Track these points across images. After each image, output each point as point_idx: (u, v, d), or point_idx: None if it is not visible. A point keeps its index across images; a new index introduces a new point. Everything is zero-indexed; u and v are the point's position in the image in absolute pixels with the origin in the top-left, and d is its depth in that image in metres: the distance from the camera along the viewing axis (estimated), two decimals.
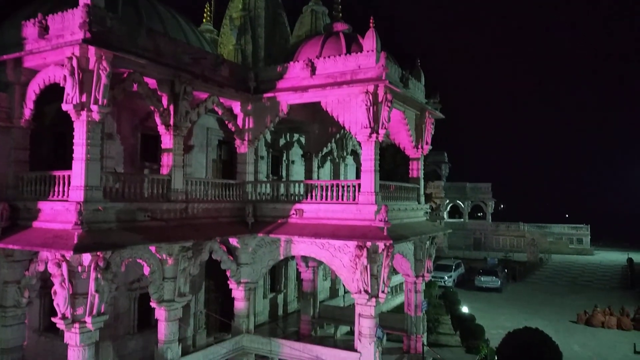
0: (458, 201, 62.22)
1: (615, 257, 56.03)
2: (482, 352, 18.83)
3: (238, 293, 15.40)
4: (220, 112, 15.05)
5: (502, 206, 73.10)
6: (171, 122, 12.91)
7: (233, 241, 15.05)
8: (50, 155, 13.34)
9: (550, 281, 40.69)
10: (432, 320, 20.11)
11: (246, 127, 15.71)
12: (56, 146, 13.37)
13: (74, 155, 10.69)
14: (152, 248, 12.31)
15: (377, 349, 13.31)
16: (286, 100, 15.06)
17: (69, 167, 10.82)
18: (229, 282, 15.31)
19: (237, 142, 15.87)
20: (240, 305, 15.43)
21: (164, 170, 13.10)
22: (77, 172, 10.64)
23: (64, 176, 11.18)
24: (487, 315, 26.72)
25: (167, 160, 13.12)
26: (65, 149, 11.92)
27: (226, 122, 15.66)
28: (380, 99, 13.39)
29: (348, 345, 14.30)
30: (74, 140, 10.72)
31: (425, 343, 17.43)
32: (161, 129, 12.98)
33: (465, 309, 23.70)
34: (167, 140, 13.08)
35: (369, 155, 13.60)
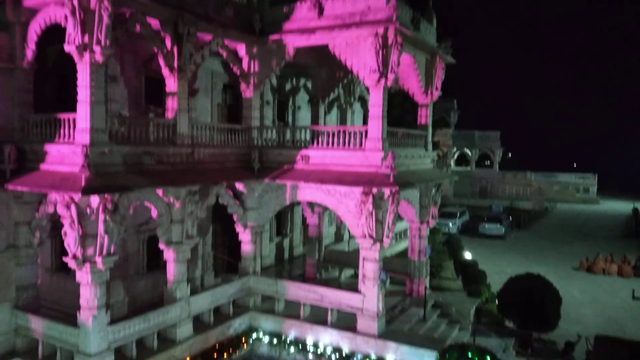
0: (466, 149, 61.92)
1: (621, 207, 56.22)
2: (483, 296, 19.32)
3: (245, 236, 15.72)
4: (225, 54, 14.76)
5: (509, 155, 72.75)
6: (175, 65, 12.72)
7: (239, 186, 15.19)
8: (54, 97, 13.27)
9: (555, 229, 41.11)
10: (435, 265, 20.49)
11: (251, 70, 15.45)
12: (60, 89, 13.27)
13: (78, 97, 10.65)
14: (159, 191, 12.47)
15: (380, 291, 13.69)
16: (292, 42, 14.70)
17: (74, 110, 10.79)
18: (235, 225, 15.59)
19: (243, 86, 15.67)
20: (247, 248, 15.79)
21: (169, 114, 13.05)
22: (82, 115, 10.63)
23: (69, 119, 11.18)
24: (489, 261, 27.22)
25: (172, 104, 13.03)
26: (69, 92, 11.85)
27: (231, 65, 15.40)
28: (390, 42, 13.04)
29: (352, 287, 14.69)
30: (77, 83, 10.64)
31: (428, 287, 17.88)
32: (165, 71, 12.81)
33: (468, 255, 24.11)
34: (171, 83, 12.94)
35: (377, 101, 13.42)
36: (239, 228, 15.62)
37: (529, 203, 52.30)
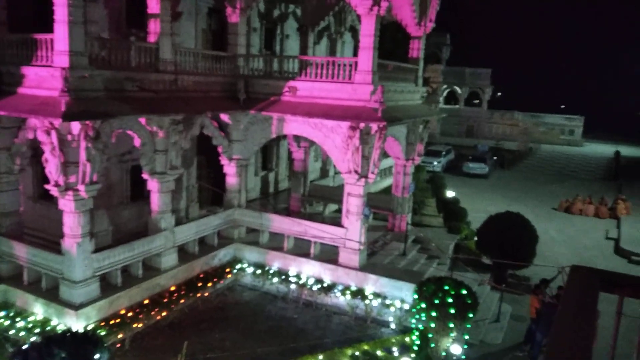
0: (455, 87, 61.36)
1: (604, 149, 57.29)
2: (462, 233, 19.97)
3: (230, 169, 15.74)
4: None
5: (499, 94, 72.47)
6: None
7: (224, 117, 15.00)
8: (30, 16, 12.62)
9: (538, 170, 41.93)
10: (417, 202, 20.92)
11: None
12: (36, 6, 12.60)
13: (55, 17, 10.15)
14: (142, 120, 12.27)
15: (362, 226, 14.03)
16: None
17: (51, 31, 10.32)
18: (220, 158, 15.55)
19: (228, 10, 15.07)
20: (232, 180, 15.86)
21: (151, 38, 12.58)
22: (60, 36, 10.19)
23: (46, 40, 10.72)
24: (471, 199, 27.87)
25: (154, 27, 12.53)
26: (46, 10, 11.26)
27: None
28: None
29: (336, 221, 15.03)
30: (54, 0, 10.10)
31: (410, 222, 18.36)
32: None
33: (450, 193, 24.61)
34: (153, 4, 12.38)
35: (368, 31, 13.08)
36: (224, 160, 15.60)
37: (515, 143, 52.90)
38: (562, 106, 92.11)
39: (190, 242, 14.51)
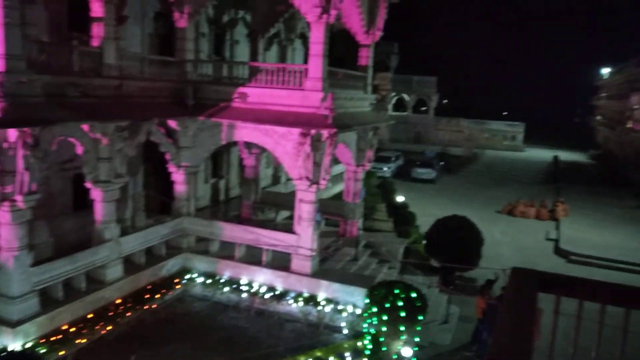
0: (404, 94, 62.92)
1: (544, 154, 60.25)
2: (412, 237, 20.42)
3: (178, 177, 15.42)
4: None
5: (445, 101, 74.85)
6: None
7: (172, 123, 14.70)
8: None
9: (482, 175, 43.57)
10: (368, 207, 21.21)
11: None
12: None
13: None
14: (85, 127, 11.83)
15: (314, 232, 14.09)
16: None
17: None
18: (168, 165, 15.21)
19: (176, 15, 14.82)
20: (180, 188, 15.53)
21: (95, 42, 12.18)
22: None
23: None
24: (420, 204, 28.56)
25: (97, 30, 12.14)
26: None
27: None
28: None
29: (287, 228, 15.00)
30: None
31: (361, 228, 18.60)
32: None
33: (400, 198, 25.12)
34: (96, 7, 12.00)
35: (318, 38, 13.21)
36: (172, 168, 15.27)
37: (460, 149, 54.74)
38: (505, 113, 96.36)
39: (136, 253, 14.07)
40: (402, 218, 22.14)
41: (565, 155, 58.45)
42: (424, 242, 18.75)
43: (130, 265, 13.85)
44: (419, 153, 49.38)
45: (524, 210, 28.84)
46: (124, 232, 13.78)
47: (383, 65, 52.83)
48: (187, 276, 14.94)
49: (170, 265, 14.85)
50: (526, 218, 28.46)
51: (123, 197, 14.24)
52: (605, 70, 69.40)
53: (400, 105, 65.32)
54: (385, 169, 36.74)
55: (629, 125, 45.70)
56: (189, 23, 14.94)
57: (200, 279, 14.87)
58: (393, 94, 61.16)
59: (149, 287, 13.89)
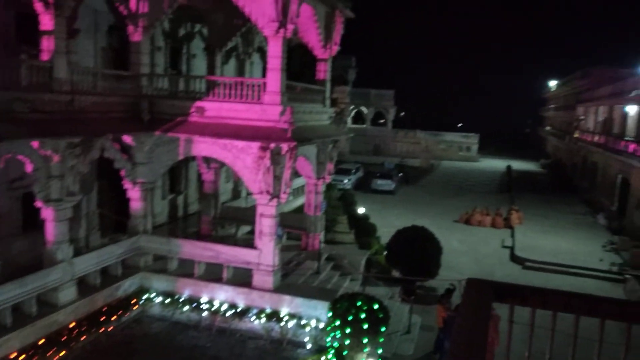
0: (362, 107, 63.86)
1: (497, 164, 62.17)
2: (373, 248, 20.58)
3: (134, 193, 15.02)
4: None
5: (402, 113, 76.40)
6: (50, 0, 11.40)
7: (127, 139, 14.35)
8: None
9: (439, 185, 44.54)
10: (330, 219, 21.26)
11: (140, 11, 14.36)
12: None
13: None
14: (35, 143, 11.38)
15: (276, 247, 13.99)
16: None
17: None
18: (124, 182, 14.81)
19: (130, 28, 14.55)
20: (136, 205, 15.13)
21: (45, 57, 11.78)
22: None
23: None
24: (380, 215, 28.89)
25: (47, 44, 11.76)
26: None
27: (116, 4, 14.16)
28: None
29: (249, 243, 14.84)
30: None
31: (323, 240, 18.61)
32: (38, 6, 11.46)
33: (361, 210, 25.33)
34: (46, 20, 11.63)
35: (276, 52, 13.25)
36: (127, 184, 14.87)
37: (418, 160, 55.87)
38: (460, 125, 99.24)
39: (91, 274, 13.55)
40: (363, 229, 22.30)
41: (517, 165, 60.51)
42: (385, 253, 18.93)
43: (85, 286, 13.32)
44: (379, 165, 50.05)
45: (480, 218, 29.62)
46: (78, 253, 13.27)
47: (341, 79, 53.58)
48: (145, 296, 14.50)
49: (127, 286, 14.38)
50: (482, 226, 29.23)
51: (76, 216, 13.74)
52: (553, 83, 72.70)
53: (359, 118, 66.22)
54: (345, 181, 36.98)
55: (576, 134, 47.85)
56: (144, 37, 14.70)
57: (159, 299, 14.45)
58: (352, 107, 62.00)
59: (105, 308, 13.38)
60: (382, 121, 67.38)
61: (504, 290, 2.55)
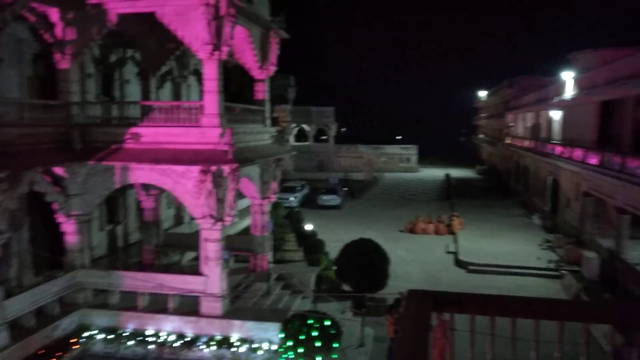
0: (304, 125, 64.23)
1: (437, 173, 64.21)
2: (322, 264, 20.53)
3: (69, 227, 14.23)
4: (32, 19, 12.89)
5: (343, 129, 77.57)
6: None
7: (59, 170, 13.62)
8: None
9: (383, 196, 45.34)
10: (277, 239, 21.05)
11: (67, 38, 13.79)
12: None
13: None
14: None
15: (223, 271, 13.64)
16: (115, 8, 13.45)
17: None
18: (57, 215, 14.01)
19: (57, 56, 13.93)
20: (72, 239, 14.33)
21: None
22: None
23: None
24: (328, 230, 28.96)
25: None
26: None
27: (41, 32, 13.52)
28: (222, 13, 12.73)
29: (194, 270, 14.40)
30: None
31: (271, 260, 18.35)
32: None
33: (309, 227, 25.27)
34: None
35: (211, 75, 13.08)
36: (61, 218, 14.07)
37: (361, 174, 56.72)
38: (399, 137, 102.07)
39: (25, 315, 12.61)
40: (312, 246, 22.23)
41: (455, 172, 62.75)
42: (335, 267, 18.92)
43: (18, 329, 12.37)
44: (324, 180, 50.38)
45: (424, 227, 30.32)
46: (9, 294, 12.32)
47: (281, 98, 53.84)
48: (86, 334, 13.67)
49: (66, 324, 13.50)
50: (427, 234, 29.91)
51: (6, 255, 12.81)
52: (483, 93, 76.25)
53: (301, 136, 66.53)
54: (291, 199, 36.93)
55: (507, 140, 50.28)
56: (72, 64, 14.09)
57: (101, 336, 13.67)
58: (294, 125, 62.25)
59: (42, 351, 12.47)
60: (324, 137, 68.06)
61: (443, 300, 2.55)
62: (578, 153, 25.18)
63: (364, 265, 17.05)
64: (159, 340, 13.40)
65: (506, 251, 25.00)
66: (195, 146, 13.18)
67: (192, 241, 17.39)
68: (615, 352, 10.62)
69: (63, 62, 13.99)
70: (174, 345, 13.31)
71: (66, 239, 14.33)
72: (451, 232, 29.77)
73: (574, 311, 2.45)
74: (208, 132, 13.09)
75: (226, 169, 12.95)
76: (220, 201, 13.20)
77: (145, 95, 18.09)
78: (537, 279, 21.46)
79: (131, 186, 17.49)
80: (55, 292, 13.57)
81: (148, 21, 14.38)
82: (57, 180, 13.71)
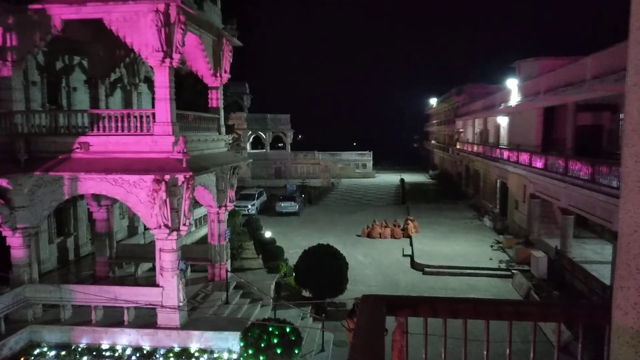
0: (260, 132, 63.81)
1: (392, 178, 65.33)
2: (281, 271, 20.38)
3: (15, 240, 13.48)
4: None
5: (299, 136, 77.73)
6: None
7: (2, 182, 12.88)
8: None
9: (340, 202, 45.64)
10: (236, 247, 20.79)
11: (7, 44, 13.11)
12: None
13: None
14: None
15: (180, 282, 13.29)
16: (59, 14, 12.90)
17: None
18: (1, 229, 13.25)
19: None
20: (18, 253, 13.57)
21: None
22: None
23: None
24: (286, 237, 28.83)
25: None
26: None
27: None
28: (172, 20, 12.44)
29: (150, 281, 13.96)
30: None
31: (230, 269, 18.04)
32: None
33: (267, 234, 25.08)
34: None
35: (163, 82, 12.75)
36: (5, 232, 13.32)
37: (318, 180, 56.93)
38: (354, 144, 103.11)
39: None
40: (271, 253, 22.08)
41: (409, 177, 63.94)
42: (294, 274, 18.81)
43: None
44: (281, 187, 50.19)
45: (381, 231, 30.67)
46: None
47: (237, 105, 53.28)
48: (36, 351, 12.95)
49: (13, 343, 12.75)
50: (384, 238, 30.26)
51: None
52: (433, 100, 78.18)
53: (258, 143, 66.17)
54: (249, 206, 36.66)
55: (458, 146, 51.77)
56: (15, 72, 13.41)
57: (52, 353, 12.98)
58: (250, 132, 61.76)
59: None
60: (281, 145, 67.97)
61: (396, 304, 2.53)
62: (524, 157, 26.18)
63: (323, 270, 17.04)
64: (115, 354, 12.87)
65: (459, 253, 25.61)
66: (148, 155, 12.80)
67: (147, 252, 16.91)
68: (563, 347, 11.07)
69: (4, 70, 13.29)
70: (132, 358, 12.81)
71: (12, 254, 13.56)
72: (407, 236, 30.24)
73: (519, 311, 2.50)
74: (160, 141, 12.75)
75: (180, 177, 12.65)
76: (175, 210, 12.87)
77: (94, 103, 17.47)
78: (490, 279, 22.08)
79: (82, 197, 16.83)
80: (1, 310, 12.79)
81: (95, 27, 13.89)
82: (0, 193, 12.98)
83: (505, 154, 30.48)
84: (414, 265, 24.28)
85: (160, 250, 13.14)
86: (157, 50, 12.39)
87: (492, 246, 26.81)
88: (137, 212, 13.38)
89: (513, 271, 22.17)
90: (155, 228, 12.90)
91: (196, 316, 14.20)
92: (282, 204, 38.41)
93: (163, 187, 12.50)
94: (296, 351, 11.93)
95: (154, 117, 12.88)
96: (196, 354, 12.79)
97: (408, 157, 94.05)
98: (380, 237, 30.29)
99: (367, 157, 69.74)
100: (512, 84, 30.31)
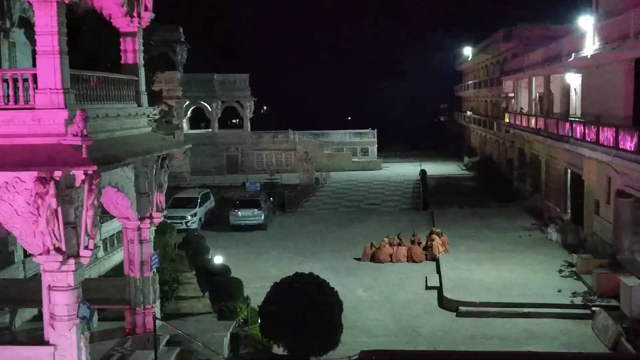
0: (203, 102, 63.56)
1: (407, 169, 65.53)
2: (240, 317, 20.29)
3: None
4: None
5: (265, 108, 77.65)
6: None
7: None
8: None
9: (329, 208, 45.80)
10: (168, 281, 20.73)
11: None
12: None
13: None
14: None
15: (81, 336, 13.30)
16: None
17: None
18: None
19: None
20: None
21: None
22: None
23: None
24: (247, 264, 28.73)
25: None
26: None
27: None
28: None
29: (34, 336, 13.89)
30: None
31: (159, 316, 17.96)
32: None
33: (217, 259, 24.98)
34: None
35: (48, 27, 12.66)
36: None
37: (295, 175, 56.87)
38: (349, 118, 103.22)
39: None
40: (223, 289, 22.04)
41: (434, 168, 64.39)
42: (259, 321, 18.72)
43: None
44: (237, 187, 50.06)
45: (392, 251, 30.66)
46: None
47: (166, 60, 52.89)
48: None
49: None
50: (396, 262, 30.25)
51: None
52: (468, 51, 78.67)
53: (200, 119, 65.92)
54: (189, 217, 36.71)
55: (507, 119, 51.90)
56: None
57: None
58: (187, 102, 61.46)
59: None
60: (236, 121, 67.84)
61: None
62: (607, 134, 26.31)
63: (304, 313, 16.94)
64: None
65: (511, 282, 25.74)
66: (27, 139, 12.75)
67: (29, 291, 16.85)
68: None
69: None
70: None
71: None
72: (432, 258, 30.34)
73: None
74: (46, 117, 12.69)
75: (79, 174, 12.58)
76: (72, 226, 12.82)
77: None
78: (558, 320, 22.19)
79: None
80: None
81: None
82: None
83: (578, 130, 30.66)
84: (443, 302, 24.37)
85: (50, 288, 13.06)
86: None
87: (560, 271, 27.03)
88: (11, 230, 13.27)
89: (594, 308, 22.33)
90: (41, 254, 12.80)
91: None
92: (240, 213, 38.33)
93: (52, 189, 12.39)
94: None
95: (35, 81, 12.80)
96: None
97: (431, 138, 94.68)
98: (392, 261, 30.34)
99: (370, 138, 70.07)
100: (586, 23, 30.44)
